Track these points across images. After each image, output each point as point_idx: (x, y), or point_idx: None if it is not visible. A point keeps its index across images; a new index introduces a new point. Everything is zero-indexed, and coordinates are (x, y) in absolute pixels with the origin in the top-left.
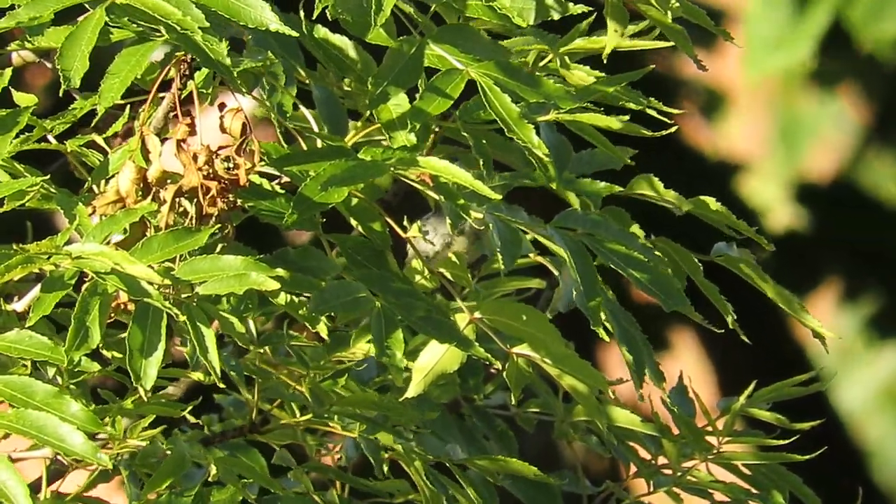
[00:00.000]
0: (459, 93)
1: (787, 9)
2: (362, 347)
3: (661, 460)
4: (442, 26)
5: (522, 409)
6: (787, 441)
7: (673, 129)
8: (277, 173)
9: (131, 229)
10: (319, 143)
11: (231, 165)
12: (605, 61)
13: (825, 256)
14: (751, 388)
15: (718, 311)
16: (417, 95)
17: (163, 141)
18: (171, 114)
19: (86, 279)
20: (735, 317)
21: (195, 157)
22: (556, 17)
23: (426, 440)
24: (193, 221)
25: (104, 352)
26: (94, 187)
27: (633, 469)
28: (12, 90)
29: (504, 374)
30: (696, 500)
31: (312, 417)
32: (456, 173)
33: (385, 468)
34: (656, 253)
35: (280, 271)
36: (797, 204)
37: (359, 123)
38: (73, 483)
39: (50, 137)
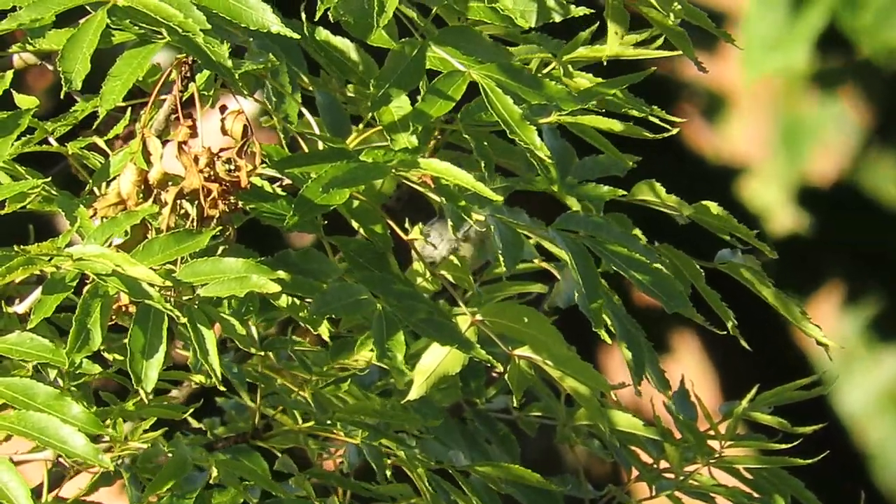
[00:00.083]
0: (461, 95)
1: (784, 9)
2: (366, 355)
3: (663, 464)
4: (444, 28)
5: (524, 412)
6: (789, 445)
7: (674, 132)
8: (279, 175)
9: (132, 231)
10: (321, 146)
11: (232, 167)
12: (604, 63)
13: (827, 259)
14: (753, 391)
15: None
16: (419, 97)
17: (164, 143)
18: (173, 116)
19: (87, 281)
20: (736, 323)
21: (196, 160)
22: (558, 19)
23: (429, 445)
24: (194, 223)
25: (105, 354)
26: (96, 189)
27: (635, 473)
28: (13, 92)
29: (506, 376)
30: None
31: (315, 424)
32: (457, 175)
33: (388, 473)
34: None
35: (281, 273)
36: (799, 206)
37: (360, 126)
38: (75, 487)
39: (51, 140)
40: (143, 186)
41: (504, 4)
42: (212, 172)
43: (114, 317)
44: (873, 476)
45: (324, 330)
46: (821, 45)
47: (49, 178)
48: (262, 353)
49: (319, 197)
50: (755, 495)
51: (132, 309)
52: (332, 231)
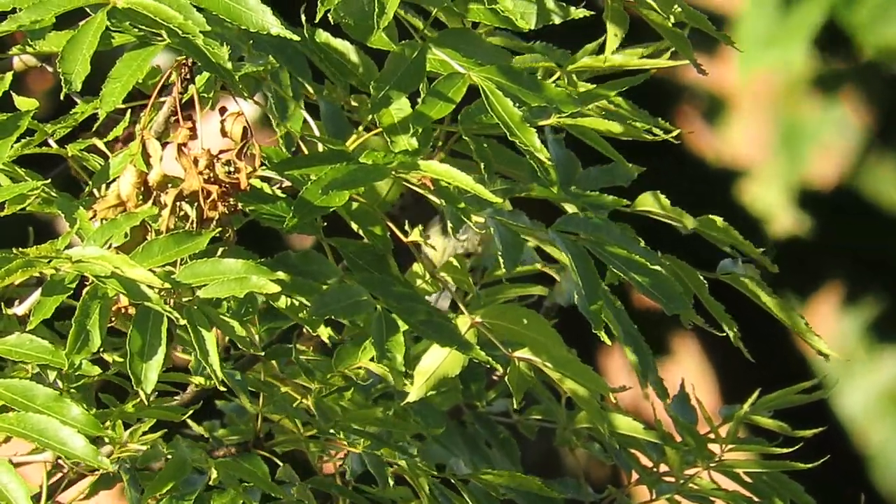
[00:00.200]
0: (461, 97)
1: (780, 5)
2: (368, 363)
3: (663, 467)
4: (444, 30)
5: (524, 416)
6: (790, 449)
7: (675, 133)
8: (278, 177)
9: (132, 233)
10: (321, 148)
11: (232, 169)
12: (605, 61)
13: (827, 262)
14: (755, 395)
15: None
16: (419, 100)
17: (164, 145)
18: (172, 118)
19: (86, 283)
20: (739, 333)
21: (196, 161)
22: (558, 21)
23: (430, 448)
24: (194, 225)
25: (105, 356)
26: (95, 191)
27: (635, 476)
28: (13, 94)
29: (506, 379)
30: None
31: (317, 433)
32: (457, 177)
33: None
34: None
35: (281, 275)
36: (799, 210)
37: (360, 128)
38: (76, 491)
39: (51, 142)
40: (142, 188)
41: (504, 6)
42: (211, 174)
43: (113, 319)
44: (874, 478)
45: (323, 332)
46: (820, 46)
47: (49, 180)
48: (265, 362)
49: (319, 199)
50: (755, 499)
51: (132, 311)
52: (332, 233)
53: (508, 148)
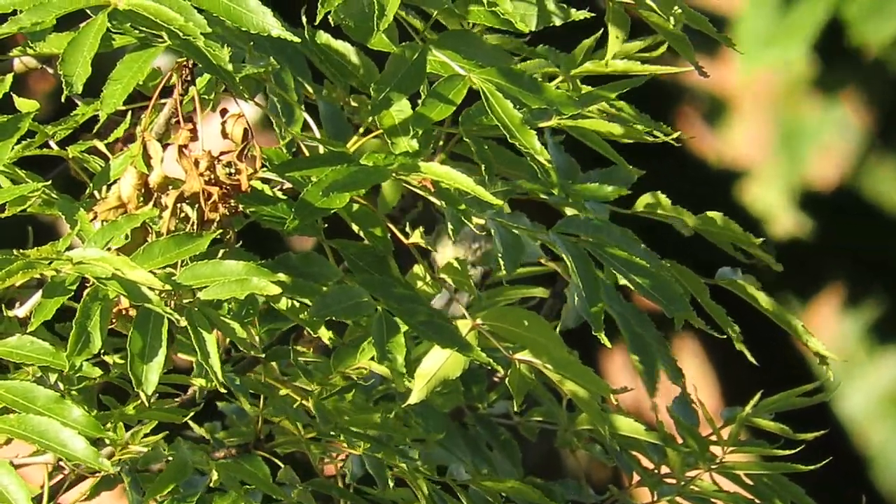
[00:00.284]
0: (462, 99)
1: (779, 6)
2: (369, 364)
3: (665, 469)
4: (444, 32)
5: (525, 417)
6: (791, 452)
7: (676, 135)
8: (279, 179)
9: (133, 235)
10: (321, 150)
11: (233, 171)
12: (606, 65)
13: (828, 263)
14: (756, 397)
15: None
16: (420, 101)
17: (164, 147)
18: (173, 119)
19: (87, 285)
20: (741, 338)
21: (197, 163)
22: (559, 23)
23: (431, 450)
24: (195, 227)
25: (106, 358)
26: (96, 193)
27: (636, 478)
28: (14, 96)
29: (507, 381)
30: None
31: (317, 435)
32: (457, 178)
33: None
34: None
35: (282, 276)
36: (800, 211)
37: (360, 130)
38: (77, 493)
39: (52, 143)
40: (143, 190)
41: (504, 8)
42: (212, 176)
43: (113, 321)
44: (874, 479)
45: (324, 333)
46: (821, 46)
47: (49, 182)
48: (266, 364)
49: (320, 200)
50: (756, 501)
51: (132, 312)
52: (333, 234)
53: (508, 149)
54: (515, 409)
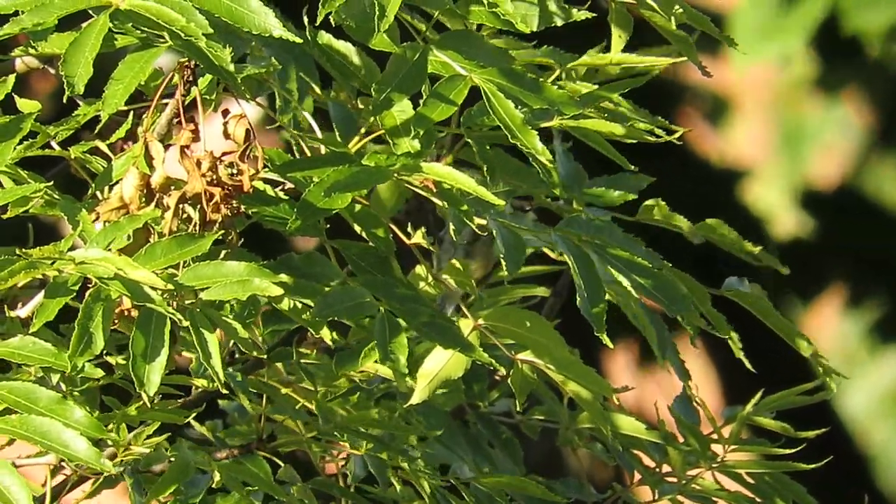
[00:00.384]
0: (463, 99)
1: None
2: (372, 367)
3: (666, 468)
4: (445, 32)
5: (527, 416)
6: (792, 450)
7: (678, 134)
8: (281, 179)
9: (135, 235)
10: (323, 150)
11: (235, 171)
12: (610, 61)
13: (829, 263)
14: (758, 396)
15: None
16: (421, 101)
17: (166, 147)
18: (175, 120)
19: (89, 285)
20: (741, 346)
21: (199, 164)
22: (560, 23)
23: (433, 449)
24: (197, 227)
25: (108, 358)
26: (98, 193)
27: (638, 477)
28: (16, 96)
29: (509, 380)
30: None
31: (318, 434)
32: (459, 179)
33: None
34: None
35: (284, 277)
36: (802, 210)
37: (362, 131)
38: (79, 492)
39: (53, 144)
40: (145, 190)
41: (505, 9)
42: (214, 176)
43: (116, 321)
44: (876, 479)
45: (326, 334)
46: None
47: (51, 182)
48: (269, 365)
49: (322, 201)
50: (757, 500)
51: (134, 313)
52: (335, 235)
53: (514, 157)
54: (518, 408)
